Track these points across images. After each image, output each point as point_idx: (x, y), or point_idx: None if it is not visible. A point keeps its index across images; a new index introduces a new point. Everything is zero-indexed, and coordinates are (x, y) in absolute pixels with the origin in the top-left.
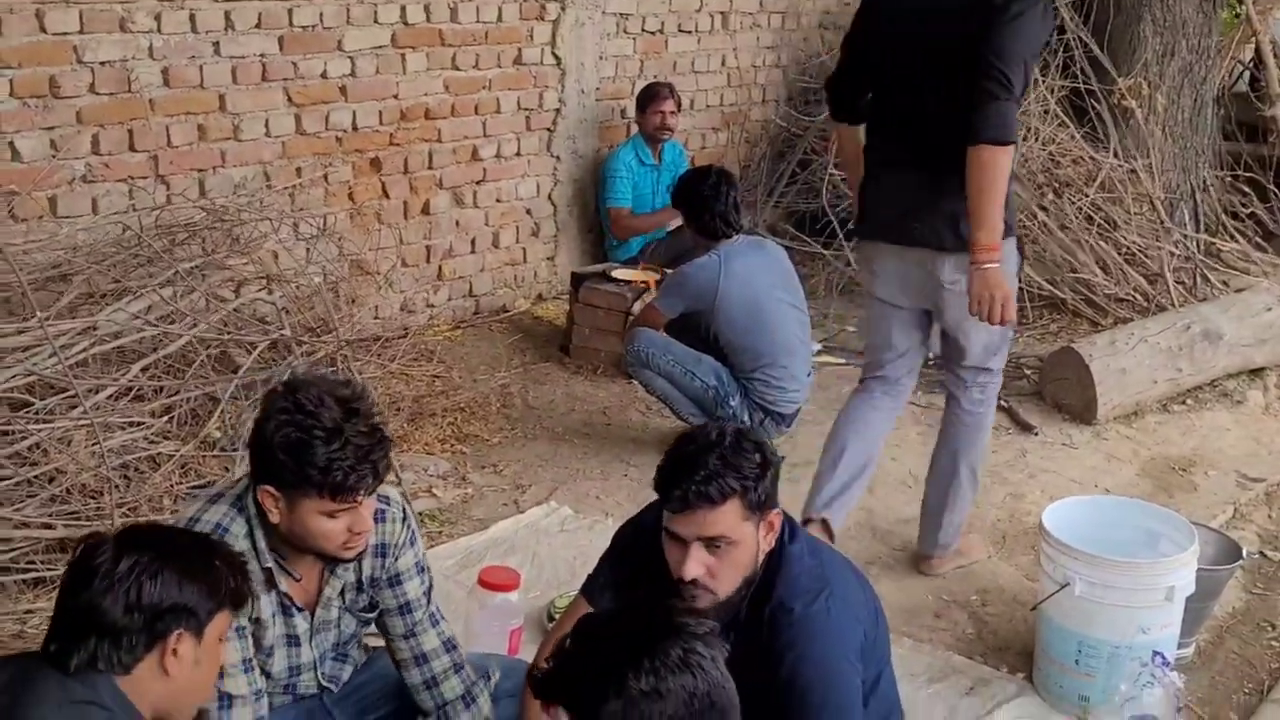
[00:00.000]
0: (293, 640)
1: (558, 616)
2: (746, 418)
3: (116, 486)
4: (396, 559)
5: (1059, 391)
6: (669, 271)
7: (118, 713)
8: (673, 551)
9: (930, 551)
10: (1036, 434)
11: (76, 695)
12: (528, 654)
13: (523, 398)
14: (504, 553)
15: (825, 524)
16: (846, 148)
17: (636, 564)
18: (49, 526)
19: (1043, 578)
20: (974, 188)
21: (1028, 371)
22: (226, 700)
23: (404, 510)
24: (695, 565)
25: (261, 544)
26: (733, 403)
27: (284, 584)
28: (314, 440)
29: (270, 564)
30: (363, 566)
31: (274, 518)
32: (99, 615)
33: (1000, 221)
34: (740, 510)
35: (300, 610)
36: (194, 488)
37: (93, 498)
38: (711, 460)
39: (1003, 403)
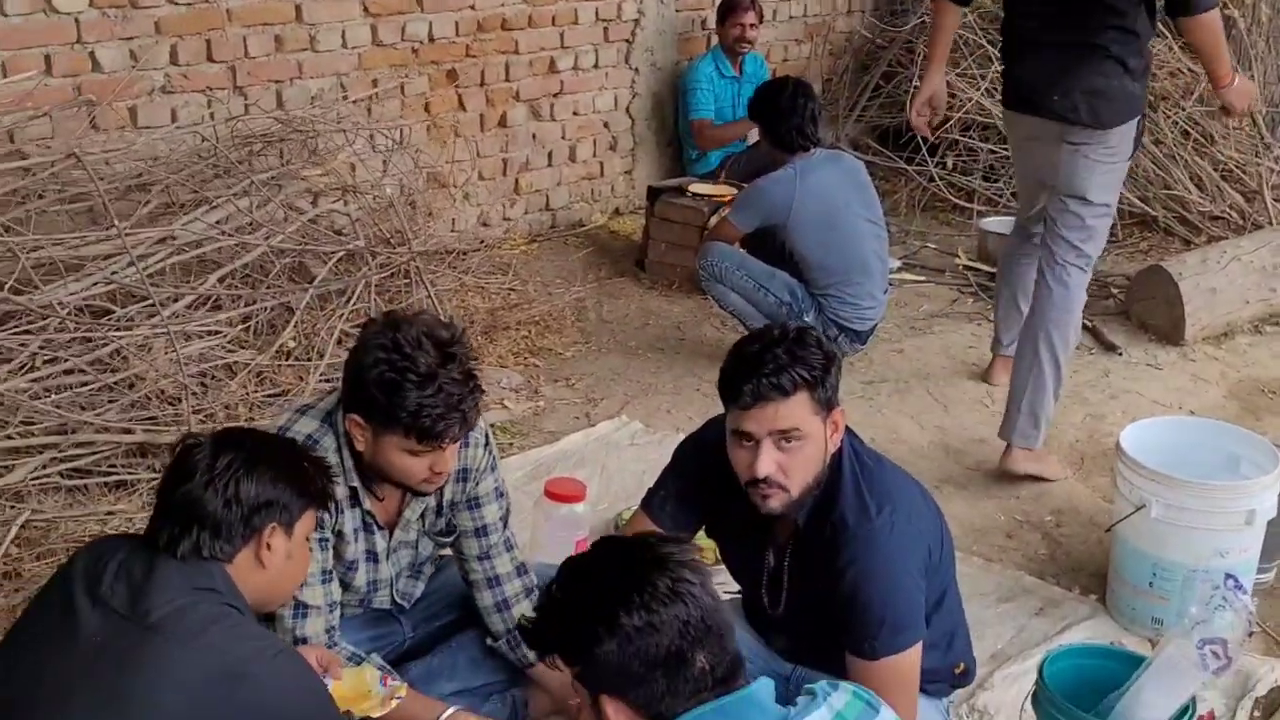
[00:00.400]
0: (372, 556)
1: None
2: (821, 334)
3: (193, 393)
4: (477, 484)
5: (1146, 311)
6: (745, 186)
7: (230, 598)
8: (741, 454)
9: (1009, 438)
10: (1121, 354)
11: (199, 581)
12: None
13: (597, 312)
14: (573, 465)
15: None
16: (944, 23)
17: (698, 478)
18: (128, 431)
19: (1118, 499)
20: (1208, 44)
21: (1115, 291)
22: (301, 610)
23: (486, 435)
24: (768, 462)
25: (349, 462)
26: (807, 318)
27: (367, 502)
28: (406, 383)
29: (356, 483)
30: (444, 491)
31: (359, 445)
32: (200, 508)
33: (1228, 61)
34: (809, 403)
35: (381, 529)
36: (269, 396)
37: (170, 404)
38: (779, 354)
39: (1087, 322)
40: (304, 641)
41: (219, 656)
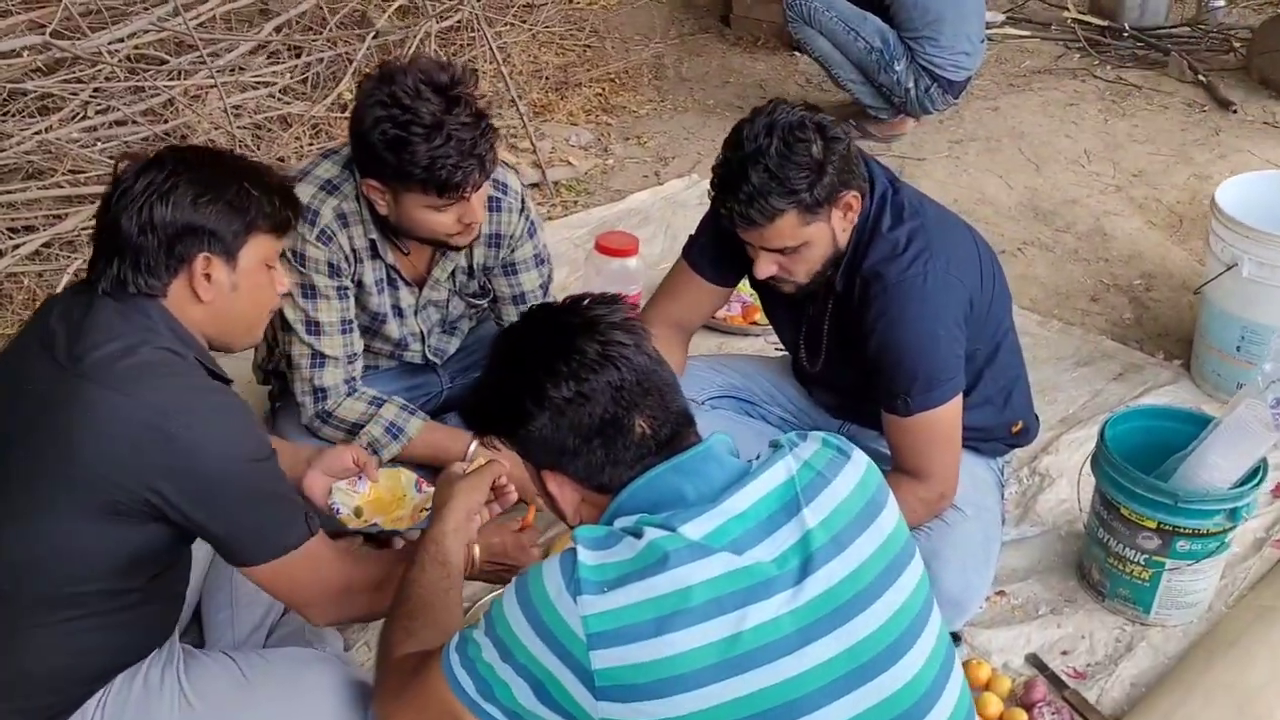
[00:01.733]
0: (398, 311)
1: None
2: (912, 84)
3: (246, 145)
4: (513, 250)
5: (1268, 66)
6: None
7: (169, 340)
8: (748, 249)
9: None
10: (1235, 111)
11: (134, 321)
12: None
13: (676, 70)
14: (637, 223)
15: None
16: None
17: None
18: None
19: (1209, 259)
20: None
21: (1235, 44)
22: (319, 359)
23: (522, 200)
24: (766, 267)
25: (365, 213)
26: (898, 66)
27: (390, 256)
28: (413, 137)
29: (375, 235)
30: (474, 253)
31: (382, 209)
32: (118, 236)
33: None
34: (796, 219)
35: (408, 284)
36: (325, 149)
37: None
38: (755, 175)
39: (1202, 77)
40: (322, 392)
41: (146, 409)
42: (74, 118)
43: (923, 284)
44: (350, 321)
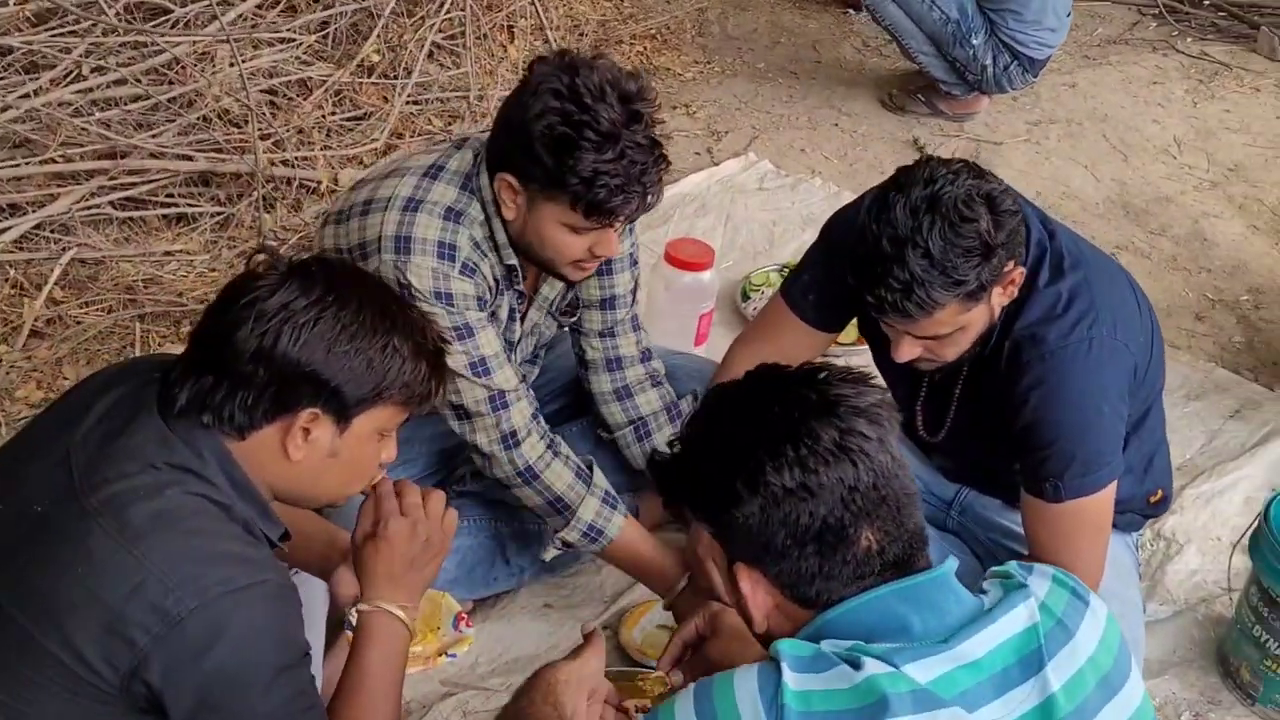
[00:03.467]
0: (509, 345)
1: (753, 296)
2: (990, 60)
3: (262, 113)
4: None
5: None
6: None
7: (210, 489)
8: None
9: None
10: None
11: (177, 454)
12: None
13: (722, 25)
14: (694, 211)
15: None
16: None
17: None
18: (187, 158)
19: None
20: None
21: None
22: (500, 399)
23: None
24: (908, 350)
25: (501, 235)
26: (975, 41)
27: (523, 283)
28: (584, 141)
29: (515, 260)
30: None
31: (508, 213)
32: (223, 351)
33: None
34: (958, 308)
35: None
36: (348, 119)
37: (236, 126)
38: (914, 262)
39: None
40: (513, 437)
41: (146, 574)
42: (66, 77)
43: (1087, 352)
44: (509, 344)
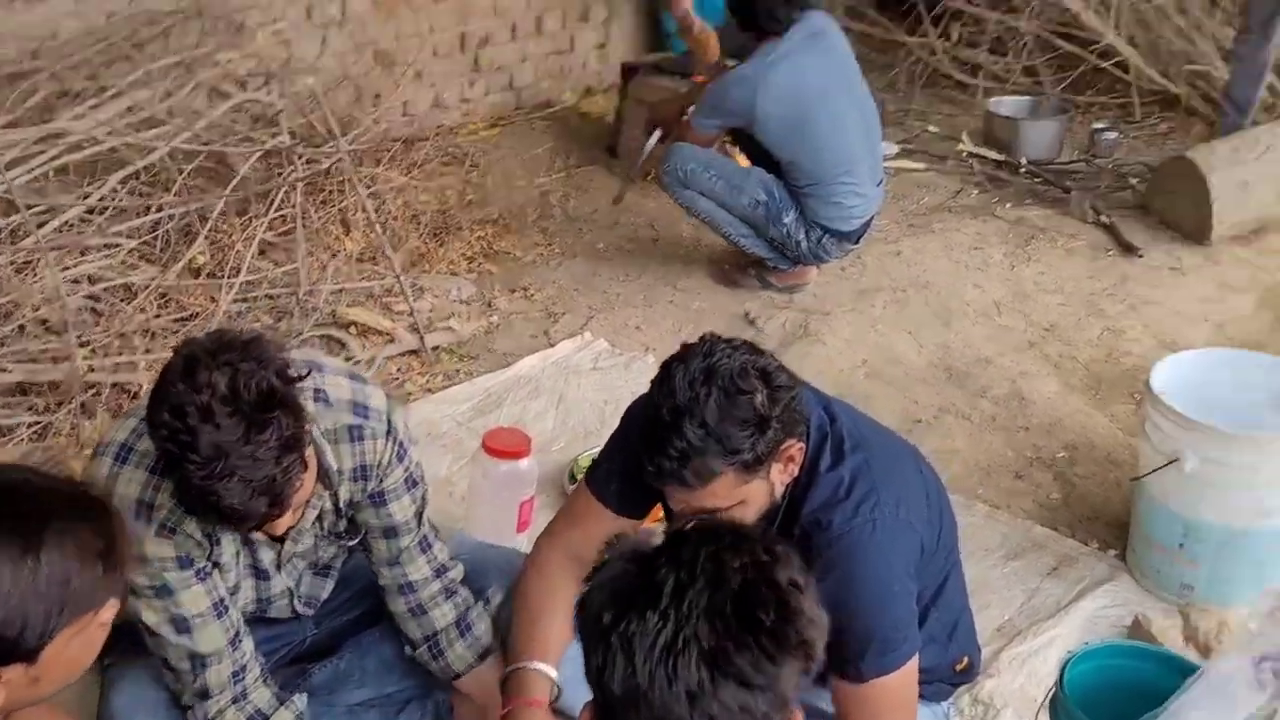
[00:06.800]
0: (260, 574)
1: (580, 478)
2: (803, 236)
3: (83, 320)
4: (381, 479)
5: (1168, 206)
6: (729, 64)
7: None
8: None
9: None
10: (1141, 256)
11: None
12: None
13: (562, 207)
14: (527, 394)
15: None
16: None
17: None
18: (2, 370)
19: (1145, 447)
20: None
21: (1133, 181)
22: (200, 661)
23: (388, 420)
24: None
25: None
26: (786, 219)
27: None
28: (188, 463)
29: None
30: (339, 492)
31: None
32: None
33: None
34: (734, 479)
35: (269, 541)
36: (176, 320)
37: (55, 334)
38: (690, 431)
39: (1104, 219)
40: (207, 696)
41: None
42: None
43: (872, 533)
44: (223, 601)
